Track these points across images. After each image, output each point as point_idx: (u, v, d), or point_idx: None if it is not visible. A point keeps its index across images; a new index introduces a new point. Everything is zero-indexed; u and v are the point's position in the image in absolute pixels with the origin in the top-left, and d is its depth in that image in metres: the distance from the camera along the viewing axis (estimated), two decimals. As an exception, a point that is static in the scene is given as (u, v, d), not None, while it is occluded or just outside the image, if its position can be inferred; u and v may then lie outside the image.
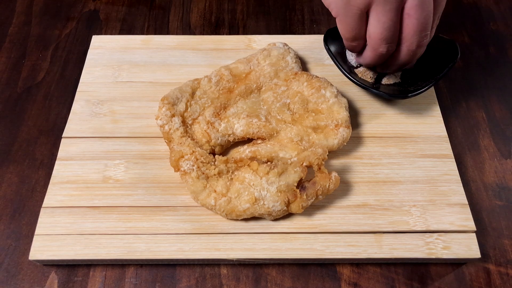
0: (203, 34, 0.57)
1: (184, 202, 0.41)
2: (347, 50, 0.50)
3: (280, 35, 0.56)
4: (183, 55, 0.52)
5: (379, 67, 0.46)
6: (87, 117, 0.47)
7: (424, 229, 0.40)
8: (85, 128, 0.46)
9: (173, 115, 0.43)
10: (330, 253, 0.39)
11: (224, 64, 0.48)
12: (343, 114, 0.43)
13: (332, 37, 0.50)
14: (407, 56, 0.40)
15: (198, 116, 0.44)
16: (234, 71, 0.47)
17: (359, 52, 0.43)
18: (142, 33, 0.57)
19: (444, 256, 0.39)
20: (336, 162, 0.44)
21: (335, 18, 0.40)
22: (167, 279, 0.39)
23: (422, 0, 0.36)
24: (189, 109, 0.44)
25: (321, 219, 0.41)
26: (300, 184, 0.39)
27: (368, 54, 0.41)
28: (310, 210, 0.41)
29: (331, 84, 0.45)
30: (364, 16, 0.37)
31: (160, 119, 0.43)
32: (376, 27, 0.37)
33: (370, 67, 0.47)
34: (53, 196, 0.41)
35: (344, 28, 0.38)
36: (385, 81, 0.48)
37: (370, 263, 0.40)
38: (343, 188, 0.42)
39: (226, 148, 0.44)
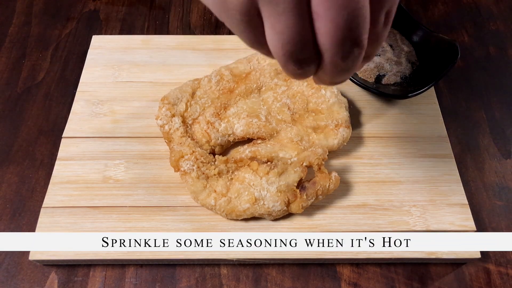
0: (203, 34, 0.57)
1: (184, 202, 0.41)
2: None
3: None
4: (183, 55, 0.52)
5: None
6: (87, 117, 0.47)
7: (424, 229, 0.40)
8: (85, 128, 0.46)
9: (173, 115, 0.43)
10: (330, 253, 0.39)
11: (224, 64, 0.48)
12: (343, 114, 0.43)
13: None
14: (334, 72, 0.25)
15: (198, 116, 0.44)
16: (234, 71, 0.47)
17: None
18: (142, 33, 0.57)
19: (444, 256, 0.39)
20: (336, 162, 0.44)
21: None
22: (167, 279, 0.39)
23: None
24: (189, 109, 0.44)
25: (321, 219, 0.41)
26: (300, 184, 0.39)
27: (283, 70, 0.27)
28: (310, 210, 0.41)
29: (331, 84, 0.45)
30: (255, 20, 0.23)
31: (160, 119, 0.43)
32: (273, 39, 0.23)
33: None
34: (53, 196, 0.41)
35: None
36: (385, 81, 0.48)
37: (370, 263, 0.40)
38: (343, 188, 0.42)
39: (226, 148, 0.44)
